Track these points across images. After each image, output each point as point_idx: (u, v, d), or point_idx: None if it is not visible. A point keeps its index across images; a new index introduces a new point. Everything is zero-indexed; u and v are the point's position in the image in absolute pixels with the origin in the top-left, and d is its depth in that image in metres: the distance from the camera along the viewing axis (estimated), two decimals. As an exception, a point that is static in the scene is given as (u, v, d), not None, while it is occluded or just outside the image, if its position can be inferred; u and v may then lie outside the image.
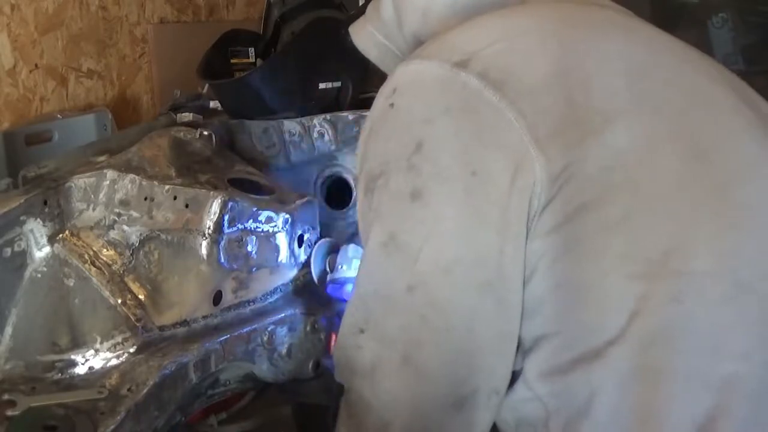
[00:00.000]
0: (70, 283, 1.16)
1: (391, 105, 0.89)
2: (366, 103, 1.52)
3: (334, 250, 1.42)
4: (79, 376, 1.11)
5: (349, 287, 1.36)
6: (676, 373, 0.81)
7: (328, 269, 1.41)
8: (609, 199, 0.82)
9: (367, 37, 1.08)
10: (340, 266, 1.38)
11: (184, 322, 1.22)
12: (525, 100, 0.83)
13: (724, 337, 0.82)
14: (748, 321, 0.83)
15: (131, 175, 1.24)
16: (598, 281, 0.82)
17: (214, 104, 1.63)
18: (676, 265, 0.81)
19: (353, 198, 1.53)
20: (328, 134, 1.49)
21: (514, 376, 0.86)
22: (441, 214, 0.84)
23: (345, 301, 1.35)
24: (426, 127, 0.86)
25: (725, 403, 0.80)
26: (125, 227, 1.23)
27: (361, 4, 1.63)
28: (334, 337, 1.33)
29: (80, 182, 1.23)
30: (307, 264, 1.40)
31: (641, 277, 0.81)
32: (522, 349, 0.85)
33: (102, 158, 1.29)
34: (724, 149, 0.88)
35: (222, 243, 1.24)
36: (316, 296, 1.41)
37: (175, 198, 1.23)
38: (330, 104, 1.54)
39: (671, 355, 0.81)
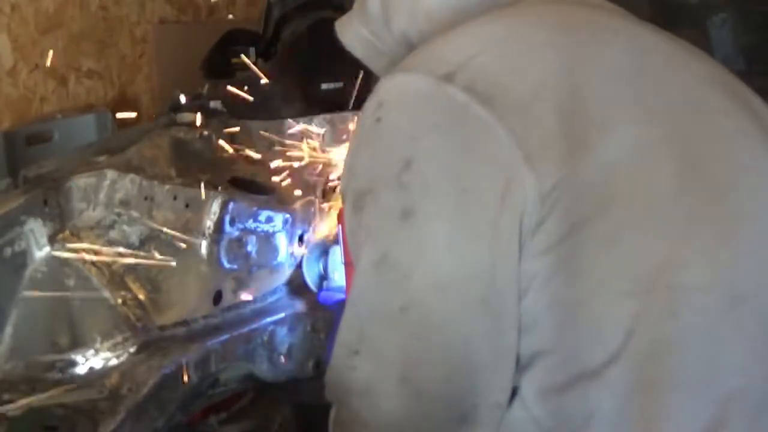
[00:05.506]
0: (70, 283, 1.16)
1: (378, 120, 0.87)
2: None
3: (325, 252, 1.41)
4: (79, 375, 1.11)
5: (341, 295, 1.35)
6: (673, 389, 0.80)
7: (322, 272, 1.40)
8: (602, 215, 0.81)
9: (352, 32, 1.04)
10: (332, 273, 1.37)
11: (184, 322, 1.22)
12: (514, 114, 0.82)
13: (721, 351, 0.81)
14: (745, 333, 0.82)
15: (131, 175, 1.24)
16: (591, 300, 0.81)
17: (214, 104, 1.63)
18: (669, 280, 0.80)
19: None
20: (328, 134, 1.49)
21: (512, 394, 0.85)
22: (432, 232, 0.83)
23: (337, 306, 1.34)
24: (414, 144, 0.84)
25: (725, 416, 0.80)
26: (125, 227, 1.23)
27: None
28: None
29: (80, 182, 1.22)
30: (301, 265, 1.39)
31: (634, 294, 0.80)
32: (519, 366, 0.84)
33: (102, 158, 1.29)
34: (718, 158, 0.86)
35: (222, 243, 1.24)
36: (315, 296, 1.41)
37: (175, 198, 1.23)
38: (332, 105, 1.54)
39: (668, 371, 0.80)
